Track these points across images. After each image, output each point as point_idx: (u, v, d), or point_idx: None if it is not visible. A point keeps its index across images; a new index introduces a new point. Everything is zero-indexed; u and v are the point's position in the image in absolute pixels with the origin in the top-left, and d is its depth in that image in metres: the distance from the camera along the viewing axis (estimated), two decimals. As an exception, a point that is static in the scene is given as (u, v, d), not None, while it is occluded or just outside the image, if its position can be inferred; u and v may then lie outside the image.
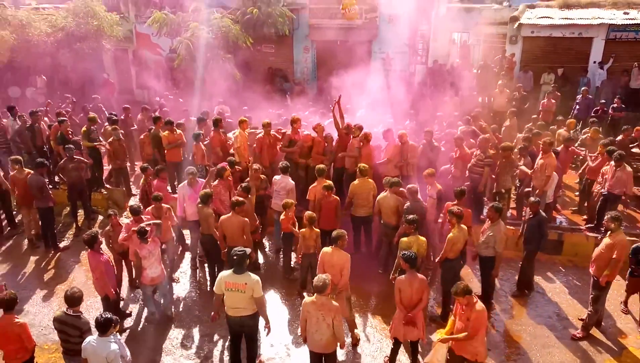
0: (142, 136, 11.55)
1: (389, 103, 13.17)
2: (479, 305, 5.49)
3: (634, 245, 7.11)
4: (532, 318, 7.71)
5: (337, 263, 6.46)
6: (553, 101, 14.04)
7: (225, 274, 5.98)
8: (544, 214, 7.99)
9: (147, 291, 7.40)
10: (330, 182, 8.40)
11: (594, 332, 7.31)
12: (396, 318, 6.23)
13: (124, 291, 8.30)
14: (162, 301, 7.68)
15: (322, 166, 8.76)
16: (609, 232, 6.87)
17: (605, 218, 6.98)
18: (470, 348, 5.64)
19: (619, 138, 10.75)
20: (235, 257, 5.85)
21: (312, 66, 19.22)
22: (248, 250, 6.00)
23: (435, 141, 10.16)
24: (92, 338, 5.20)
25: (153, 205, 8.06)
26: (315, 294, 5.58)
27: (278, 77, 18.51)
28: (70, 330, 5.54)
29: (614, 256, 6.69)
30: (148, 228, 7.14)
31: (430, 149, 9.94)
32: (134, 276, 8.22)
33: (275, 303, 8.04)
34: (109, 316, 5.17)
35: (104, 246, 7.43)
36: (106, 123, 12.13)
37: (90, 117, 11.53)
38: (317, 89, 18.15)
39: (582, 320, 7.41)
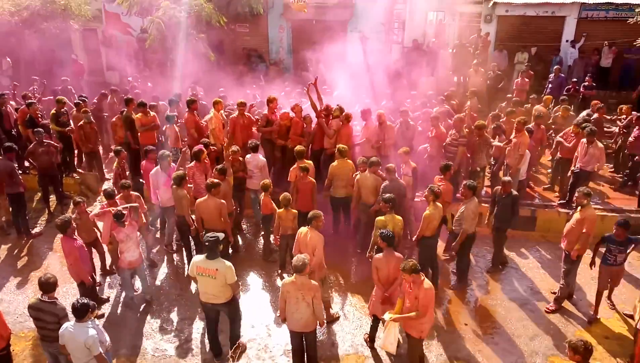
0: (114, 119, 11.26)
1: (366, 83, 13.15)
2: (427, 284, 5.49)
3: (604, 234, 7.01)
4: (507, 293, 7.91)
5: (309, 243, 6.50)
6: (527, 80, 14.20)
7: (197, 258, 5.96)
8: (516, 193, 8.13)
9: (125, 276, 7.31)
10: (307, 163, 8.37)
11: (566, 304, 7.54)
12: (374, 296, 6.31)
13: (100, 277, 8.19)
14: (139, 285, 7.61)
15: (301, 147, 8.72)
16: (579, 207, 7.05)
17: (576, 194, 7.14)
18: (417, 326, 5.68)
19: (595, 116, 10.91)
20: (207, 243, 5.82)
21: (288, 45, 18.98)
22: (221, 236, 5.97)
23: (412, 121, 10.20)
24: (69, 324, 5.13)
25: (121, 193, 7.89)
26: (294, 274, 5.60)
27: (253, 57, 18.24)
28: (46, 316, 5.44)
29: (584, 230, 6.88)
30: (125, 211, 7.03)
31: (406, 128, 9.98)
32: (110, 261, 8.12)
33: (255, 285, 8.05)
34: (86, 301, 5.09)
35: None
36: (73, 108, 11.75)
37: (58, 100, 11.19)
38: (293, 69, 17.97)
39: (554, 293, 7.63)
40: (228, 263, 5.90)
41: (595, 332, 6.96)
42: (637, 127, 10.19)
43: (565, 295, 7.46)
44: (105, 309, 7.54)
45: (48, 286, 5.44)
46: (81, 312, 5.03)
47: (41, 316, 5.46)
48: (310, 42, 16.42)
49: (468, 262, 8.04)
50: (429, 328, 5.81)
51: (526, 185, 10.19)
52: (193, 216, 7.93)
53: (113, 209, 7.12)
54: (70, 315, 5.22)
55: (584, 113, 11.14)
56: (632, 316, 6.91)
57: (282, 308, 5.84)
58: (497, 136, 9.84)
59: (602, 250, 7.11)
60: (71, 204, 7.84)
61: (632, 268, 8.45)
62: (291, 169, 8.62)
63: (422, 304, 5.45)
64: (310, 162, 8.80)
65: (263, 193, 8.16)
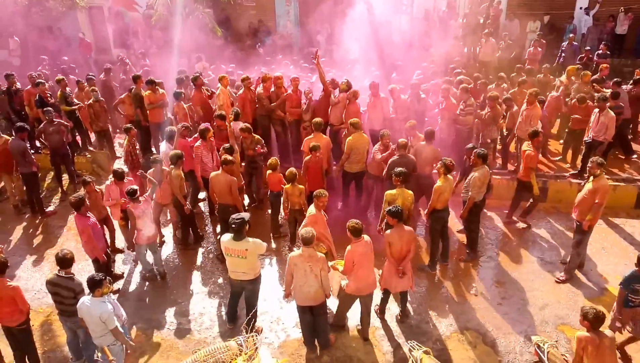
0: (122, 96, 11.26)
1: (375, 56, 12.98)
2: (353, 246, 5.78)
3: (627, 274, 5.67)
4: (517, 263, 7.92)
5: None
6: (539, 49, 13.92)
7: (225, 239, 6.02)
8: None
9: (142, 251, 7.44)
10: (324, 138, 8.30)
11: (576, 274, 7.55)
12: (386, 270, 6.36)
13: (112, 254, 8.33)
14: (152, 260, 7.74)
15: (319, 119, 8.71)
16: (591, 178, 6.98)
17: (589, 163, 7.05)
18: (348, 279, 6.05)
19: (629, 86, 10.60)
20: (233, 225, 5.87)
21: (295, 18, 18.71)
22: (246, 216, 6.01)
23: (423, 93, 10.06)
24: (86, 299, 5.26)
25: (153, 168, 7.95)
26: (301, 247, 5.66)
27: (260, 32, 18.03)
28: (63, 291, 5.57)
29: (597, 200, 6.82)
30: (137, 188, 7.12)
31: (417, 102, 9.86)
32: (125, 240, 8.26)
33: (265, 260, 8.14)
34: (100, 276, 5.21)
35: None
36: (85, 84, 11.75)
37: (58, 79, 11.17)
38: (301, 42, 17.75)
39: (564, 263, 7.63)
40: (257, 241, 5.99)
41: (605, 302, 6.95)
42: None
43: (576, 265, 7.45)
44: (121, 284, 7.69)
45: (65, 261, 5.56)
46: (96, 287, 5.16)
47: (59, 291, 5.60)
48: (318, 15, 16.19)
49: (477, 231, 8.04)
50: (352, 286, 5.99)
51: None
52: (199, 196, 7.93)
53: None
54: (87, 290, 5.35)
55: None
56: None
57: (288, 282, 5.91)
58: (509, 108, 9.69)
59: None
60: (81, 184, 7.89)
61: (644, 237, 8.41)
62: (306, 138, 8.62)
63: (345, 262, 5.87)
64: (327, 137, 8.76)
65: (270, 171, 8.16)
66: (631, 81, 10.73)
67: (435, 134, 8.36)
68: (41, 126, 9.83)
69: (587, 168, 7.33)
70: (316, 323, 6.13)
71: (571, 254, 7.39)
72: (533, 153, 8.01)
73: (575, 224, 7.23)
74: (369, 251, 5.90)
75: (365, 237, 5.89)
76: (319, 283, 5.71)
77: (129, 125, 9.51)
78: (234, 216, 5.98)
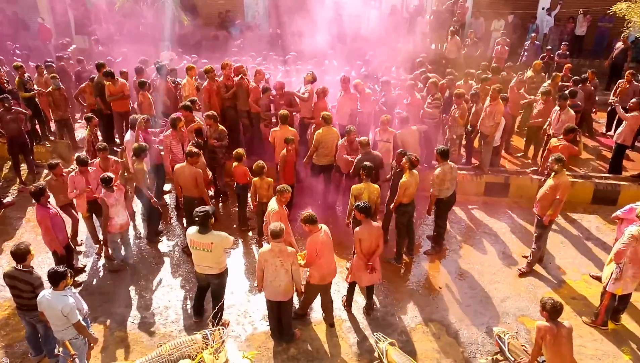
0: (82, 85, 10.90)
1: (343, 50, 13.01)
2: (312, 237, 5.87)
3: None
4: (480, 257, 8.13)
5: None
6: (506, 48, 14.27)
7: (190, 232, 5.93)
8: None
9: (115, 239, 7.30)
10: (291, 135, 8.22)
11: (536, 267, 7.80)
12: (354, 265, 6.42)
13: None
14: (123, 250, 7.57)
15: (285, 111, 8.68)
16: (552, 174, 7.21)
17: (549, 159, 7.28)
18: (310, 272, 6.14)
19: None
20: (197, 218, 5.78)
21: (264, 9, 18.52)
22: (210, 209, 5.93)
23: (394, 90, 10.13)
24: (46, 292, 5.11)
25: (100, 156, 7.76)
26: (271, 241, 5.65)
27: (227, 22, 17.74)
28: (21, 285, 5.40)
29: (557, 196, 7.05)
30: (112, 175, 6.94)
31: (388, 98, 9.88)
32: (101, 226, 7.96)
33: (233, 253, 8.08)
34: (60, 269, 5.06)
35: (52, 200, 7.13)
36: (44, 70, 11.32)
37: (16, 65, 10.76)
38: (270, 33, 17.59)
39: (525, 257, 7.88)
40: (223, 234, 5.92)
41: (563, 294, 7.23)
42: None
43: (536, 258, 7.70)
44: (83, 277, 7.49)
45: (19, 255, 5.38)
46: (56, 280, 5.03)
47: (16, 284, 5.42)
48: (287, 6, 16.07)
49: (444, 227, 8.20)
50: (316, 276, 6.07)
51: (500, 152, 10.35)
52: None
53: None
54: (48, 284, 5.19)
55: (548, 82, 11.19)
56: (598, 278, 7.20)
57: (259, 277, 5.89)
58: (475, 104, 9.89)
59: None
60: (47, 168, 7.61)
61: (599, 232, 8.77)
62: (272, 130, 8.61)
63: (307, 253, 5.95)
64: (293, 129, 8.75)
65: (236, 162, 8.06)
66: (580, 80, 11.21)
67: (408, 120, 8.65)
68: (-3, 113, 9.42)
69: (547, 164, 7.57)
70: (282, 316, 6.14)
71: (532, 248, 7.64)
72: (567, 145, 8.29)
73: (536, 219, 7.46)
74: (328, 240, 6.01)
75: (322, 226, 5.97)
76: (289, 277, 5.71)
77: (89, 114, 9.22)
78: (197, 209, 5.89)
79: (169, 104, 10.12)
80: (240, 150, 8.06)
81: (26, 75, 10.63)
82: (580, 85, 11.05)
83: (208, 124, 8.66)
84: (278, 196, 6.60)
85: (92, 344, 5.55)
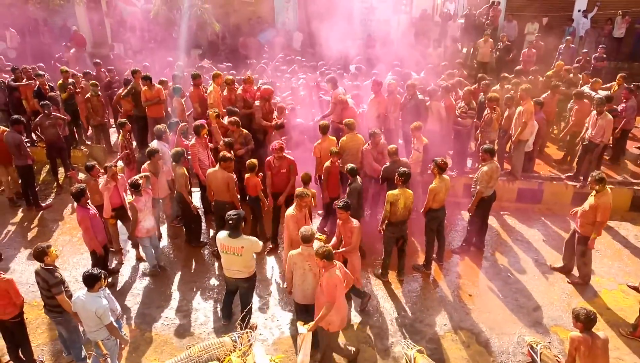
0: (120, 91, 11.20)
1: (374, 55, 12.98)
2: (331, 273, 5.23)
3: None
4: (512, 265, 7.95)
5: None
6: (534, 50, 13.96)
7: (220, 236, 6.00)
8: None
9: (145, 243, 7.46)
10: (334, 147, 8.05)
11: (571, 276, 7.58)
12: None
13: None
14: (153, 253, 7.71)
15: (325, 122, 8.57)
16: (594, 191, 6.93)
17: (589, 178, 7.02)
18: (327, 318, 5.36)
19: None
20: (230, 221, 5.86)
21: (294, 15, 18.65)
22: (242, 213, 6.00)
23: (420, 94, 10.01)
24: (81, 293, 5.25)
25: (150, 161, 7.92)
26: (301, 246, 5.65)
27: (258, 28, 17.96)
28: (41, 282, 5.59)
29: (598, 218, 6.79)
30: (141, 181, 7.12)
31: (414, 103, 9.79)
32: (129, 231, 8.14)
33: (261, 258, 8.12)
34: (95, 271, 5.19)
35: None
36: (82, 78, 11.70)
37: (62, 69, 11.16)
38: (302, 40, 17.72)
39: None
40: (253, 238, 5.98)
41: (598, 304, 7.00)
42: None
43: (588, 273, 7.40)
44: (117, 279, 7.67)
45: (36, 255, 5.57)
46: (91, 282, 5.15)
47: (39, 281, 5.63)
48: (317, 13, 16.15)
49: (481, 226, 8.06)
50: (336, 321, 5.45)
51: (534, 157, 10.10)
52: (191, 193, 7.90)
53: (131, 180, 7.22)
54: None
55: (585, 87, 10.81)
56: (636, 288, 6.93)
57: (289, 278, 5.92)
58: (509, 109, 9.69)
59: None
60: (84, 170, 7.85)
61: (638, 240, 8.46)
62: (315, 144, 8.41)
63: (328, 292, 5.22)
64: (334, 139, 8.52)
65: (249, 173, 7.83)
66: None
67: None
68: (37, 119, 9.79)
69: (588, 184, 7.29)
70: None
71: (578, 264, 7.42)
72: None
73: (577, 236, 7.19)
74: (344, 276, 5.55)
75: (337, 263, 5.50)
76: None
77: (123, 120, 9.42)
78: (230, 212, 5.97)
79: (200, 111, 10.29)
80: (254, 161, 7.88)
81: (70, 80, 11.03)
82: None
83: (232, 130, 8.72)
84: (298, 201, 6.53)
85: (122, 345, 5.68)
